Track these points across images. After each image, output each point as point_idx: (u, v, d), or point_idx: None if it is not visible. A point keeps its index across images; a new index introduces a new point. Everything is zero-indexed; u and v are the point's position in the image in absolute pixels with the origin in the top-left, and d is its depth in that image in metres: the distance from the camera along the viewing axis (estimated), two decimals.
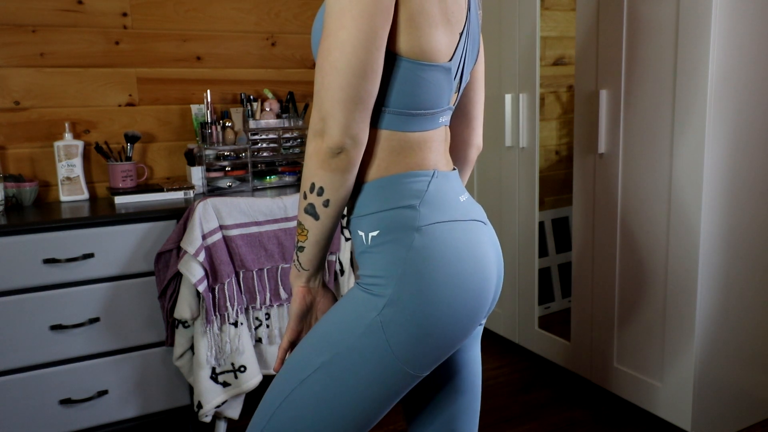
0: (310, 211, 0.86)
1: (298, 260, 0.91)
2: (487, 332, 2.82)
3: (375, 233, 0.86)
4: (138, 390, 1.87)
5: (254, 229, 1.81)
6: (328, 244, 0.90)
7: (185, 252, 1.69)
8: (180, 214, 1.85)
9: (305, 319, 0.95)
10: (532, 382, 2.32)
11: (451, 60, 0.88)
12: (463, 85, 0.98)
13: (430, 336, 0.84)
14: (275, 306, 1.88)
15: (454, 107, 0.97)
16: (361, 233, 0.88)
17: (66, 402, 1.78)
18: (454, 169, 0.97)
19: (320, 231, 0.87)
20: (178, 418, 1.98)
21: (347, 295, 0.89)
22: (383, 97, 0.86)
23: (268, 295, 1.85)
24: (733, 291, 1.81)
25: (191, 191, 2.09)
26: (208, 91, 2.16)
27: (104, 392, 1.82)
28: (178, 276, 1.75)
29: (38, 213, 1.84)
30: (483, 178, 2.61)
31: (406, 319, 0.83)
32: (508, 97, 2.37)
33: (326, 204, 0.85)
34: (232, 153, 2.19)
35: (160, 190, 2.05)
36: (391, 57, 0.84)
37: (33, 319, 1.72)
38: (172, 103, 2.29)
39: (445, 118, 0.94)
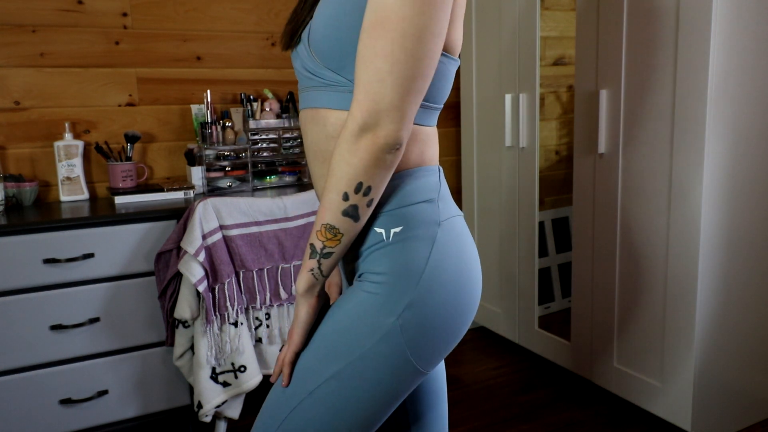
0: (351, 212, 0.79)
1: (319, 268, 0.83)
2: (487, 332, 2.83)
3: (398, 229, 0.83)
4: (138, 390, 1.87)
5: (254, 229, 1.81)
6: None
7: (185, 252, 1.69)
8: (180, 214, 1.85)
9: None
10: (532, 382, 2.32)
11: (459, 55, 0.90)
12: None
13: (445, 333, 0.83)
14: (275, 306, 1.88)
15: None
16: (379, 230, 0.83)
17: (66, 402, 1.78)
18: None
19: (354, 233, 0.81)
20: (178, 418, 1.98)
21: (351, 298, 0.84)
22: None
23: (268, 295, 1.85)
24: (733, 291, 1.81)
25: (191, 191, 2.09)
26: (208, 91, 2.16)
27: (104, 392, 1.82)
28: (178, 276, 1.75)
29: (38, 213, 1.84)
30: (483, 178, 2.61)
31: (427, 319, 0.81)
32: (508, 97, 2.37)
33: (370, 204, 0.80)
34: (232, 153, 2.19)
35: (160, 190, 2.05)
36: None
37: (33, 319, 1.72)
38: (172, 103, 2.29)
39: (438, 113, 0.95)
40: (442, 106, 0.89)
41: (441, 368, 1.06)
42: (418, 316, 0.81)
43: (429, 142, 0.88)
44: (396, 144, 0.76)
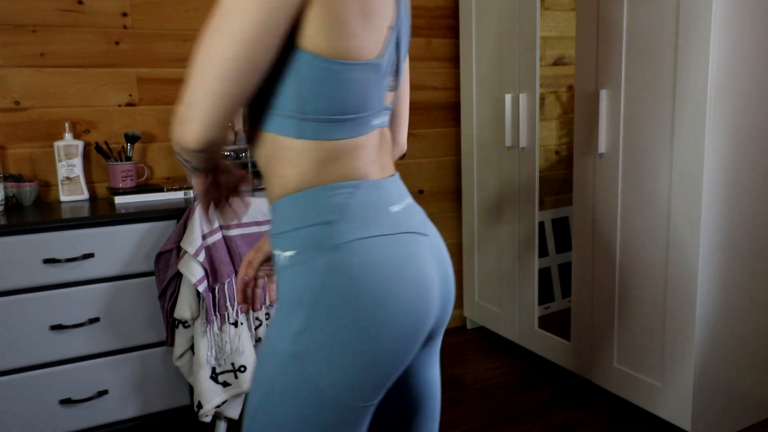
0: (183, 162, 0.84)
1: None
2: (487, 332, 2.83)
3: (291, 253, 0.80)
4: (138, 390, 1.87)
5: (254, 229, 1.81)
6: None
7: (185, 252, 1.69)
8: (180, 214, 1.85)
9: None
10: (532, 382, 2.32)
11: (380, 56, 0.81)
12: (400, 82, 0.92)
13: (359, 362, 0.77)
14: (275, 306, 1.88)
15: (391, 107, 0.91)
16: (277, 253, 0.82)
17: (66, 402, 1.78)
18: (392, 175, 0.89)
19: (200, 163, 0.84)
20: (178, 418, 1.98)
21: (271, 320, 0.84)
22: (302, 103, 0.78)
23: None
24: (733, 291, 1.81)
25: (191, 191, 2.09)
26: None
27: (104, 392, 1.82)
28: (178, 276, 1.75)
29: (38, 213, 1.84)
30: (483, 178, 2.61)
31: (327, 347, 0.76)
32: (508, 97, 2.37)
33: (194, 167, 0.84)
34: (232, 153, 2.19)
35: (160, 190, 2.05)
36: (310, 59, 0.76)
37: (33, 319, 1.72)
38: (172, 103, 2.29)
39: (381, 120, 0.87)
40: (356, 115, 0.81)
41: (425, 393, 0.99)
42: (316, 344, 0.77)
43: (342, 157, 0.81)
44: (195, 146, 0.75)
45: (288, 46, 0.77)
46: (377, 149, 0.87)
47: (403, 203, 0.86)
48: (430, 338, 0.93)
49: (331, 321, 0.76)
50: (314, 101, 0.78)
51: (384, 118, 0.88)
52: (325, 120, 0.79)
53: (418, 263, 0.82)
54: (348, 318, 0.76)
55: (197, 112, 0.73)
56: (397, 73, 0.89)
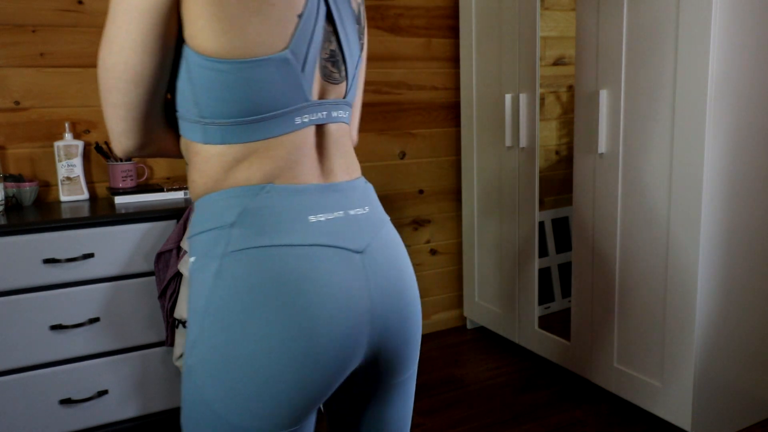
0: None
1: None
2: (487, 332, 2.83)
3: (192, 259, 0.75)
4: (138, 390, 1.87)
5: None
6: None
7: (185, 252, 1.69)
8: (180, 214, 1.85)
9: None
10: (532, 382, 2.32)
11: (285, 49, 0.73)
12: (349, 72, 0.83)
13: (249, 382, 0.70)
14: None
15: (337, 101, 0.81)
16: (189, 259, 0.80)
17: (66, 402, 1.78)
18: (345, 180, 0.81)
19: None
20: (178, 418, 1.98)
21: None
22: (200, 108, 0.73)
23: None
24: (733, 291, 1.81)
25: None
26: None
27: (104, 392, 1.82)
28: (178, 276, 1.75)
29: (38, 213, 1.84)
30: (483, 178, 2.61)
31: (214, 362, 0.70)
32: (508, 97, 2.37)
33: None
34: None
35: (160, 190, 2.05)
36: (198, 59, 0.71)
37: (33, 319, 1.72)
38: None
39: (316, 117, 0.78)
40: (266, 115, 0.74)
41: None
42: (204, 358, 0.71)
43: (253, 159, 0.74)
44: (123, 156, 0.78)
45: (181, 47, 0.72)
46: (315, 151, 0.78)
47: (338, 213, 0.77)
48: (379, 376, 0.84)
49: (218, 334, 0.70)
50: (210, 105, 0.72)
51: (320, 114, 0.78)
52: (228, 123, 0.73)
53: (325, 279, 0.72)
54: (235, 332, 0.70)
55: (108, 124, 0.75)
56: (338, 62, 0.80)
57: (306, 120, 0.77)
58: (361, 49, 0.87)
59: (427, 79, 2.73)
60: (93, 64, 2.15)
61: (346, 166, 0.83)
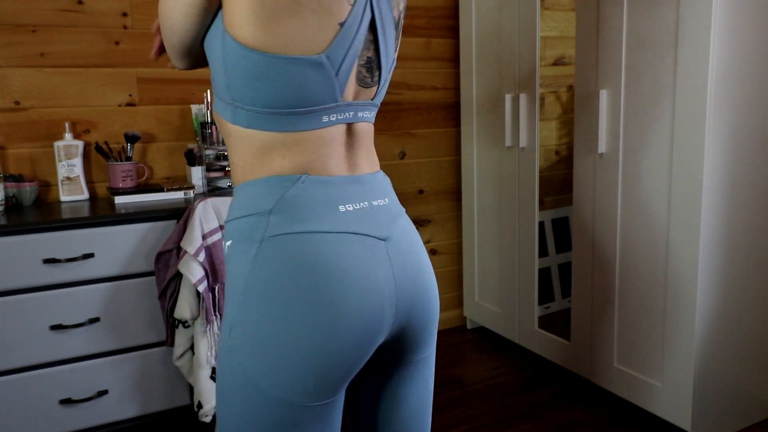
0: None
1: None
2: (487, 332, 2.83)
3: (229, 243, 0.80)
4: (138, 390, 1.87)
5: None
6: None
7: (185, 252, 1.69)
8: (180, 214, 1.85)
9: None
10: (532, 382, 2.32)
11: (323, 53, 0.75)
12: (382, 77, 0.86)
13: (290, 357, 0.75)
14: None
15: (367, 102, 0.85)
16: (224, 242, 0.83)
17: (66, 402, 1.78)
18: (367, 173, 0.85)
19: None
20: (178, 418, 1.98)
21: None
22: (231, 90, 0.77)
23: None
24: (733, 291, 1.81)
25: (191, 191, 2.09)
26: (208, 91, 2.16)
27: (104, 392, 1.82)
28: (178, 276, 1.75)
29: (38, 213, 1.84)
30: (483, 178, 2.61)
31: (256, 340, 0.75)
32: (508, 97, 2.37)
33: None
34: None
35: (160, 190, 2.05)
36: (234, 46, 0.74)
37: (33, 319, 1.72)
38: (172, 103, 2.29)
39: (343, 116, 0.81)
40: (296, 110, 0.77)
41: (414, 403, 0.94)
42: (246, 336, 0.76)
43: (282, 149, 0.78)
44: (179, 68, 0.90)
45: (220, 28, 0.76)
46: (343, 146, 0.82)
47: (363, 203, 0.82)
48: (401, 354, 0.89)
49: (259, 313, 0.75)
50: (240, 90, 0.77)
51: (347, 114, 0.82)
52: (256, 111, 0.77)
53: (354, 264, 0.78)
54: (276, 311, 0.75)
55: (165, 46, 0.87)
56: (373, 68, 0.84)
57: (333, 119, 0.80)
58: (395, 51, 0.89)
59: (427, 79, 2.73)
60: (93, 64, 2.15)
61: (369, 160, 0.87)
